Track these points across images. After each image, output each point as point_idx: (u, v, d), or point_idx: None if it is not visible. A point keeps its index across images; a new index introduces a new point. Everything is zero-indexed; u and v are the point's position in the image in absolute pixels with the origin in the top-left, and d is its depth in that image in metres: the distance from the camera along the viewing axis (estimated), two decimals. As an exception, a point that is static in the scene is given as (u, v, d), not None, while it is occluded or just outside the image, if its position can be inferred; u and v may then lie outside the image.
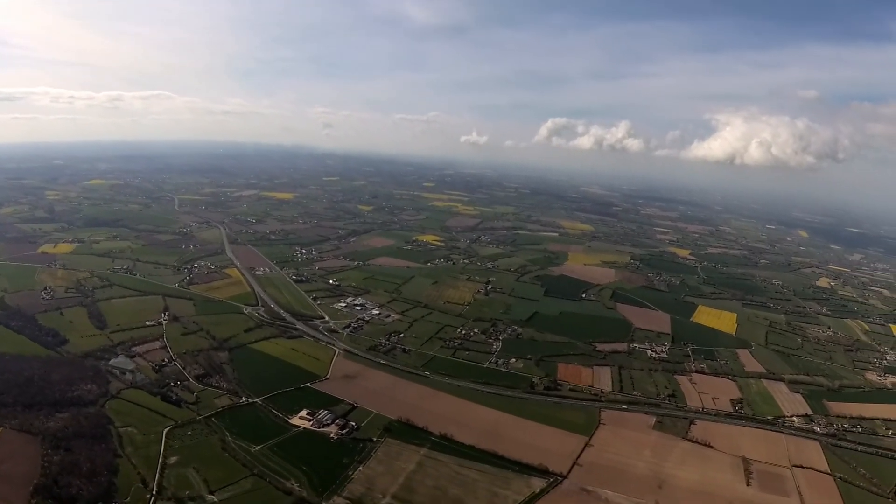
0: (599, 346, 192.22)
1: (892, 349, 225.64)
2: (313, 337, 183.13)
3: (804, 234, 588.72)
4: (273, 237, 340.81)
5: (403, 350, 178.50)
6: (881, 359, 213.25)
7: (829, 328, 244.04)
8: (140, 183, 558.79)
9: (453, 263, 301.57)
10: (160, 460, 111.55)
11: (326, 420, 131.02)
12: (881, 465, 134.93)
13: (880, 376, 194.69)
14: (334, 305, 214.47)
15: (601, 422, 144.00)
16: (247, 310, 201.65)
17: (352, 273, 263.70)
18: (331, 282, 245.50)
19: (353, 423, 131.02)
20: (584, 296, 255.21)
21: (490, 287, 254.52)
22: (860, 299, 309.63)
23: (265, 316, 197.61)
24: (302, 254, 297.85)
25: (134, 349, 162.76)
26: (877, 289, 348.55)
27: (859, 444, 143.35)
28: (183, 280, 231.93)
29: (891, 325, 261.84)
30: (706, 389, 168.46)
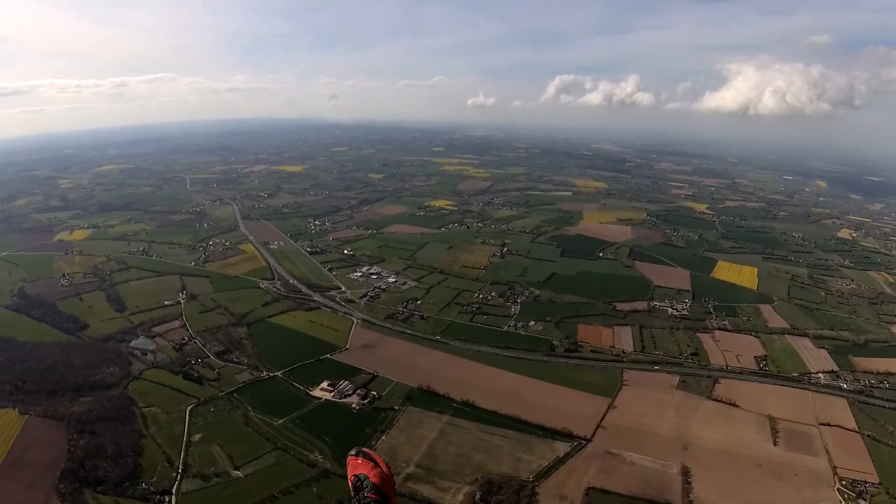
0: (619, 306, 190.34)
1: None
2: (330, 308, 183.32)
3: (823, 184, 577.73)
4: (286, 210, 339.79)
5: (421, 317, 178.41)
6: None
7: (853, 281, 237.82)
8: (151, 166, 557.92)
9: (467, 227, 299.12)
10: (184, 438, 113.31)
11: (347, 391, 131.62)
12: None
13: None
14: (350, 275, 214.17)
15: (623, 383, 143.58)
16: (263, 284, 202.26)
17: (366, 242, 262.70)
18: (345, 252, 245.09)
19: (375, 393, 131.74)
20: (601, 255, 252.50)
21: (505, 250, 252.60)
22: (883, 250, 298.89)
23: (282, 289, 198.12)
24: (315, 225, 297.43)
25: (154, 329, 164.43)
26: None
27: (887, 400, 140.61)
28: (199, 258, 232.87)
29: None
30: (729, 347, 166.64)
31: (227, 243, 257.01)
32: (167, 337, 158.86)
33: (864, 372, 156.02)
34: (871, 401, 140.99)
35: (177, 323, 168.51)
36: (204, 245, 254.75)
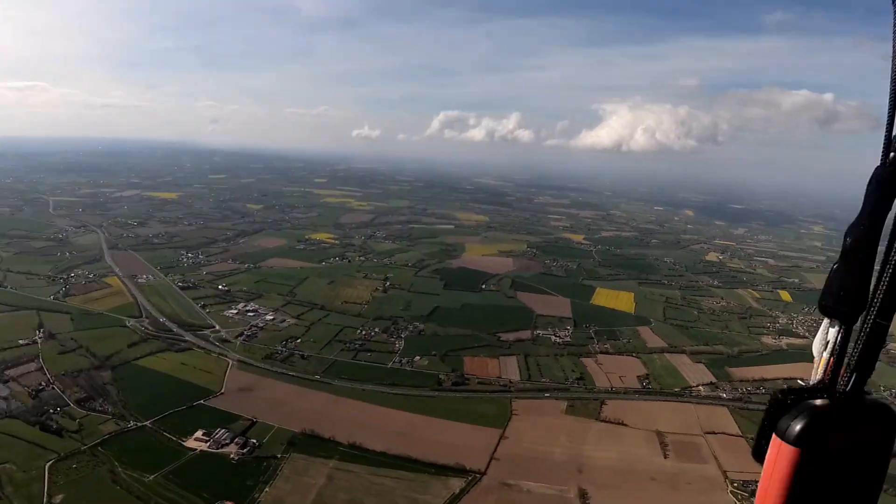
0: (504, 336, 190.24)
1: (782, 313, 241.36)
2: (204, 348, 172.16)
3: (690, 212, 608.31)
4: (157, 241, 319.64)
5: (302, 356, 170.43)
6: (774, 322, 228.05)
7: (723, 299, 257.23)
8: (11, 184, 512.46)
9: (349, 261, 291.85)
10: (45, 500, 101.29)
11: (225, 439, 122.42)
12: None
13: (775, 339, 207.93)
14: (225, 313, 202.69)
15: (513, 412, 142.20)
16: (130, 322, 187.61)
17: (242, 277, 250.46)
18: (220, 287, 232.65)
19: (255, 441, 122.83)
20: (483, 286, 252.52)
21: (388, 284, 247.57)
22: (748, 269, 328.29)
23: (150, 328, 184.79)
24: (188, 258, 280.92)
25: (7, 373, 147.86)
26: (762, 259, 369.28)
27: (764, 404, 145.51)
28: (59, 292, 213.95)
29: (778, 290, 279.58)
30: (612, 369, 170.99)
31: (91, 275, 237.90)
32: (22, 381, 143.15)
33: (741, 381, 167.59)
34: (750, 406, 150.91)
35: (33, 365, 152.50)
36: (65, 277, 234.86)
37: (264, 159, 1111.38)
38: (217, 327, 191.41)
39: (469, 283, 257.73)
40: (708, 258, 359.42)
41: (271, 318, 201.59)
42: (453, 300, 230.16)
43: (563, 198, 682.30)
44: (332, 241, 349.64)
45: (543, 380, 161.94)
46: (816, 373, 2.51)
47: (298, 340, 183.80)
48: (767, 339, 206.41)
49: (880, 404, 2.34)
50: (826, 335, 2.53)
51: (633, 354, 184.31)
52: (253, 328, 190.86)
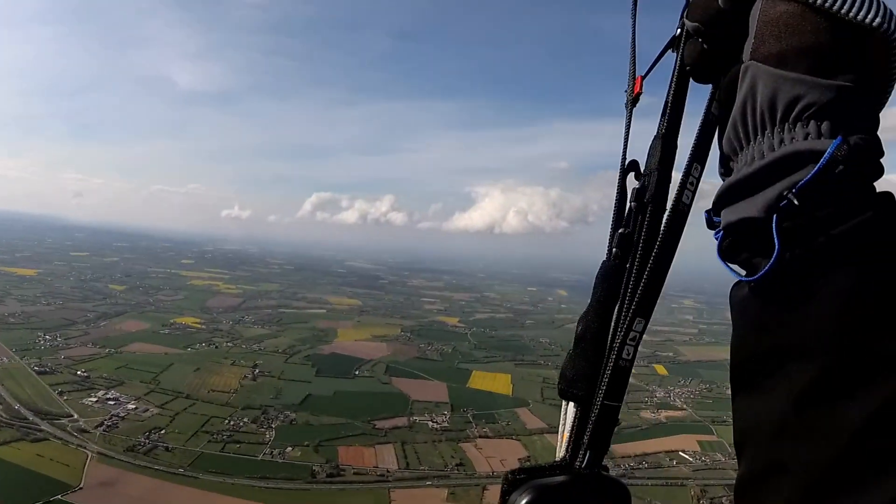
0: (379, 424, 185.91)
1: (659, 386, 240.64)
2: (61, 439, 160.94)
3: (563, 292, 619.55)
4: (12, 321, 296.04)
5: (166, 448, 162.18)
6: (651, 397, 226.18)
7: None
8: None
9: (216, 347, 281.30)
10: None
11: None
12: (675, 493, 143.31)
13: (654, 413, 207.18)
14: (84, 401, 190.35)
15: (392, 502, 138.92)
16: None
17: (103, 362, 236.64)
18: (79, 373, 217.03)
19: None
20: (357, 372, 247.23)
21: (257, 371, 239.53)
22: None
23: (3, 416, 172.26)
24: (46, 340, 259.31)
25: None
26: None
27: (648, 478, 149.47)
28: None
29: (654, 365, 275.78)
30: (493, 453, 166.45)
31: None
32: None
33: (623, 457, 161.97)
34: (635, 481, 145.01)
35: None
36: None
37: (130, 237, 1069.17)
38: (75, 416, 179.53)
39: (342, 369, 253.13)
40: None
41: (133, 407, 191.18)
42: (326, 387, 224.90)
43: (436, 280, 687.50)
44: (199, 325, 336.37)
45: (422, 467, 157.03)
46: (559, 451, 2.52)
47: (163, 431, 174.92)
48: (646, 414, 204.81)
49: (615, 481, 2.46)
50: (565, 415, 2.53)
51: (513, 437, 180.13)
52: (114, 418, 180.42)
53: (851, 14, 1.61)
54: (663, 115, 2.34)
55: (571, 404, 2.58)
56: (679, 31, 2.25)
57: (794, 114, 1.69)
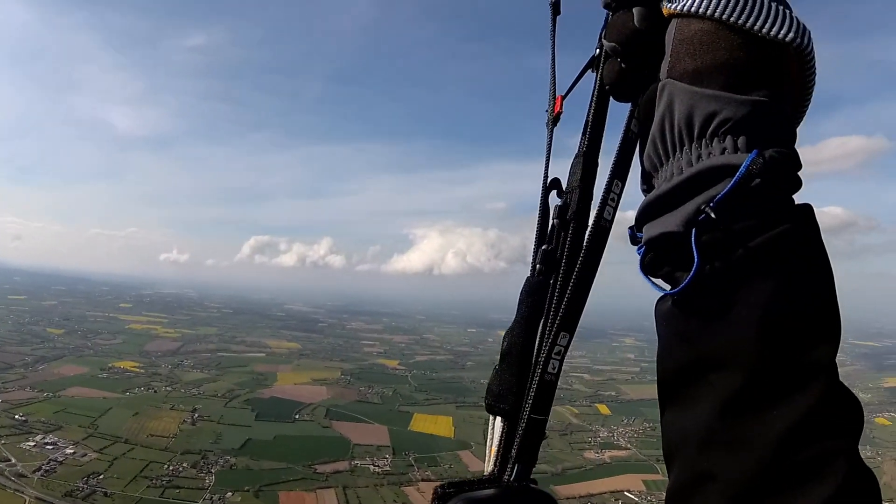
0: (320, 468, 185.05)
1: (602, 426, 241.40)
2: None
3: (503, 333, 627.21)
4: None
5: (105, 493, 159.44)
6: (595, 437, 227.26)
7: None
8: None
9: (155, 391, 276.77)
10: None
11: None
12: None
13: (598, 453, 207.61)
14: (22, 445, 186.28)
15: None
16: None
17: (41, 406, 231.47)
18: (17, 417, 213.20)
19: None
20: (297, 416, 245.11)
21: (197, 415, 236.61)
22: (565, 386, 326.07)
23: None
24: None
25: None
26: (577, 374, 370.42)
27: None
28: None
29: (596, 404, 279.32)
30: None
31: None
32: None
33: (568, 497, 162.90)
34: None
35: None
36: None
37: (68, 281, 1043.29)
38: (13, 461, 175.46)
39: (282, 412, 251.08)
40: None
41: (72, 451, 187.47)
42: (266, 431, 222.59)
43: (376, 323, 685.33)
44: (138, 369, 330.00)
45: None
46: (488, 465, 2.63)
47: (101, 476, 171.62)
48: (590, 454, 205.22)
49: (542, 493, 2.48)
50: (493, 430, 2.67)
51: (426, 480, 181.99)
52: (52, 462, 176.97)
53: (764, 30, 1.73)
54: (584, 133, 2.39)
55: (499, 419, 2.62)
56: (598, 51, 2.34)
57: (710, 129, 1.82)
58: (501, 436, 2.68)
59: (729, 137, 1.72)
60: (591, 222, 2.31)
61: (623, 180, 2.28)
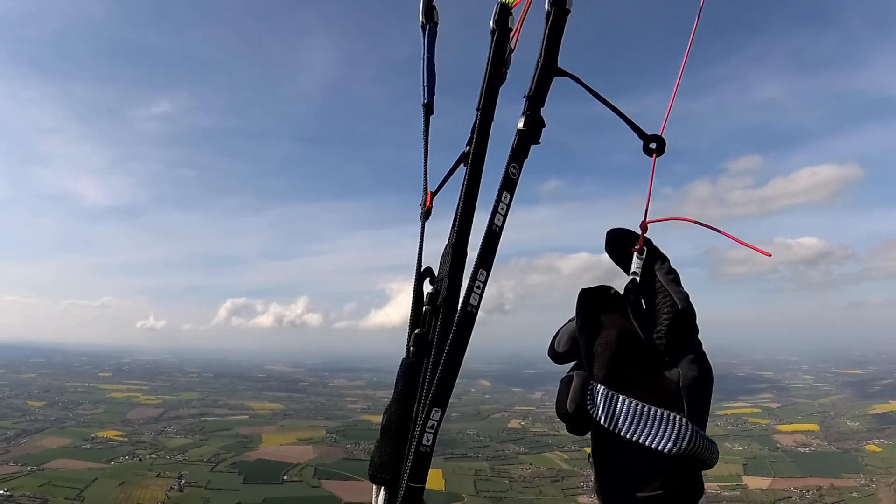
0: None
1: (591, 470, 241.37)
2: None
3: (486, 383, 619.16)
4: None
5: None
6: (587, 481, 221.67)
7: (532, 464, 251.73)
8: None
9: (140, 459, 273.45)
10: None
11: None
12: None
13: (591, 497, 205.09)
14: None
15: None
16: None
17: (25, 480, 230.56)
18: (1, 492, 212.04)
19: None
20: (285, 478, 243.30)
21: (184, 482, 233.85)
22: (552, 432, 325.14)
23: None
24: None
25: None
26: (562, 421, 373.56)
27: None
28: None
29: (585, 448, 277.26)
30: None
31: None
32: None
33: None
34: None
35: None
36: None
37: (45, 353, 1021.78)
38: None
39: (270, 474, 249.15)
40: (511, 426, 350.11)
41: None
42: (255, 494, 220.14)
43: (357, 379, 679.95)
44: (121, 438, 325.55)
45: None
46: None
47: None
48: (583, 499, 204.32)
49: None
50: (376, 499, 2.97)
51: None
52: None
53: (650, 443, 2.15)
54: (453, 225, 2.82)
55: (382, 488, 3.08)
56: (467, 147, 2.74)
57: None
58: (384, 503, 2.88)
59: None
60: (458, 308, 2.60)
61: (488, 269, 2.56)
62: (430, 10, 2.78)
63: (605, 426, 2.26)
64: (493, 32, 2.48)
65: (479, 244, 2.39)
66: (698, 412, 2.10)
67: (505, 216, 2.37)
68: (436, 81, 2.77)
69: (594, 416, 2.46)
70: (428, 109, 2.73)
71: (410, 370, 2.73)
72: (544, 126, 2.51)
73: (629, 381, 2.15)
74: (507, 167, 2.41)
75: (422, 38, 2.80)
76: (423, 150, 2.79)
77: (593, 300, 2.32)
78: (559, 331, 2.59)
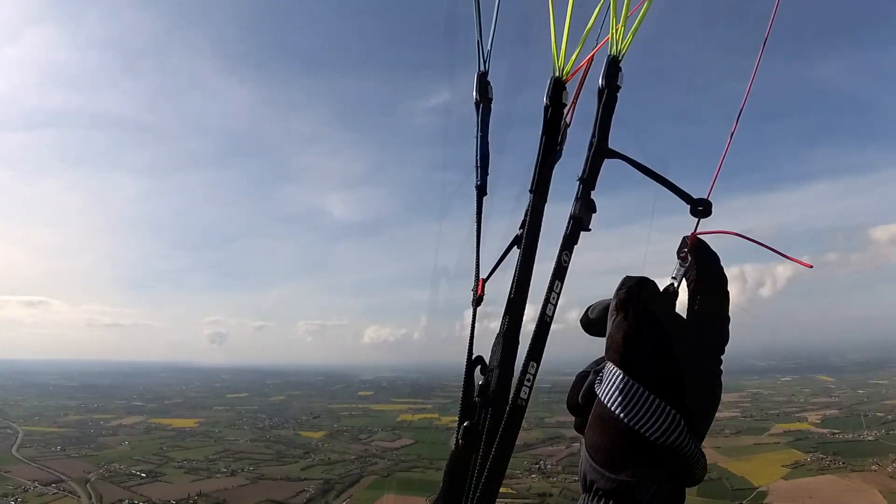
0: None
1: None
2: None
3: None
4: None
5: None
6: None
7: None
8: None
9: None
10: None
11: None
12: None
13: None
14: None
15: None
16: None
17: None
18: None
19: None
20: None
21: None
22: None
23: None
24: None
25: None
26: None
27: None
28: None
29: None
30: None
31: None
32: None
33: None
34: None
35: None
36: None
37: (278, 374, 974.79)
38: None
39: None
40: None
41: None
42: None
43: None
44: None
45: None
46: None
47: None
48: None
49: None
50: None
51: None
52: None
53: (638, 427, 2.03)
54: (505, 314, 2.44)
55: None
56: (521, 231, 2.46)
57: (592, 490, 2.13)
58: None
59: (603, 500, 1.99)
60: (509, 401, 2.34)
61: (538, 362, 2.35)
62: (483, 87, 2.68)
63: (604, 402, 2.17)
64: (546, 109, 2.44)
65: (531, 335, 2.25)
66: (701, 415, 2.19)
67: (555, 306, 2.27)
68: (489, 162, 2.70)
69: (598, 392, 2.28)
70: (481, 191, 2.64)
71: (458, 463, 2.45)
72: (595, 211, 2.42)
73: (642, 367, 2.15)
74: (560, 255, 2.33)
75: (476, 116, 2.72)
76: (475, 235, 2.61)
77: (637, 283, 2.28)
78: (595, 303, 2.48)
